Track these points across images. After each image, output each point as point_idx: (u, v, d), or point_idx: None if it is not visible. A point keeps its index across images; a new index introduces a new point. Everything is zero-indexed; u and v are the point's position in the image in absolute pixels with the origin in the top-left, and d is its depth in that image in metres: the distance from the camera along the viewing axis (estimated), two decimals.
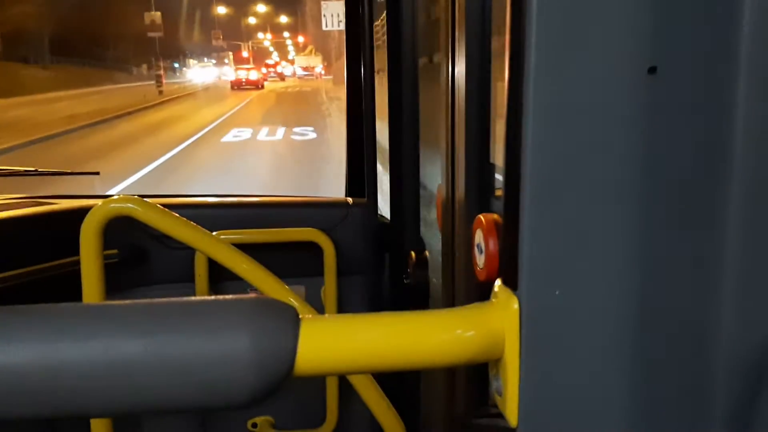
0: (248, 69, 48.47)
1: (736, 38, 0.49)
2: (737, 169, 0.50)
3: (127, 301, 0.53)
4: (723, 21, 0.49)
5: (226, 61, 75.56)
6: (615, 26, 0.52)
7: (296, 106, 26.90)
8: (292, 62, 73.91)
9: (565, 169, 0.53)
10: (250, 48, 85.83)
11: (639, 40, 0.52)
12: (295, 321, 0.53)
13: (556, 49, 0.52)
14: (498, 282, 0.59)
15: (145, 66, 59.54)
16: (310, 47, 66.02)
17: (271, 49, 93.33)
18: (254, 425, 2.03)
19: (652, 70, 0.53)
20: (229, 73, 67.36)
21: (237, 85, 44.44)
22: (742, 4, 0.48)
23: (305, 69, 66.24)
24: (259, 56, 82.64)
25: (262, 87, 44.92)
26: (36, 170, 2.33)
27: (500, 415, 0.60)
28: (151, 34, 36.43)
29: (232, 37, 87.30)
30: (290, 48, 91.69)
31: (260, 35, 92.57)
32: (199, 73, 64.40)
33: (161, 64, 32.67)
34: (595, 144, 0.53)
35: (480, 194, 1.34)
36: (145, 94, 30.55)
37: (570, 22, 0.51)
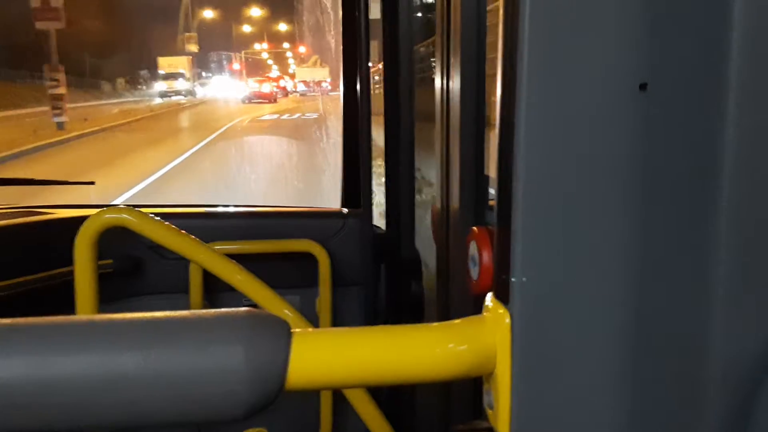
0: (261, 82, 44.37)
1: (726, 55, 0.49)
2: (727, 183, 0.51)
3: (121, 315, 0.53)
4: (712, 38, 0.50)
5: (182, 71, 49.71)
6: (606, 44, 0.53)
7: (290, 164, 14.51)
8: (292, 76, 64.16)
9: (557, 183, 0.54)
10: (242, 59, 73.23)
11: (630, 58, 0.53)
12: (287, 335, 0.54)
13: (547, 66, 0.52)
14: (490, 296, 0.59)
15: (122, 80, 48.54)
16: (314, 57, 57.88)
17: (270, 61, 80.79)
18: None
19: (643, 86, 0.53)
20: (197, 89, 53.11)
21: (249, 99, 40.82)
22: (731, 21, 0.49)
23: (308, 84, 56.33)
24: (255, 69, 70.73)
25: (275, 101, 41.33)
26: (32, 179, 2.33)
27: (493, 429, 0.60)
28: (41, 25, 19.05)
29: (221, 47, 73.69)
30: (291, 61, 79.16)
31: (257, 46, 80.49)
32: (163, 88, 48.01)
33: (59, 76, 18.40)
34: (587, 158, 0.54)
35: (475, 206, 1.34)
36: (37, 129, 19.02)
37: (562, 39, 0.52)
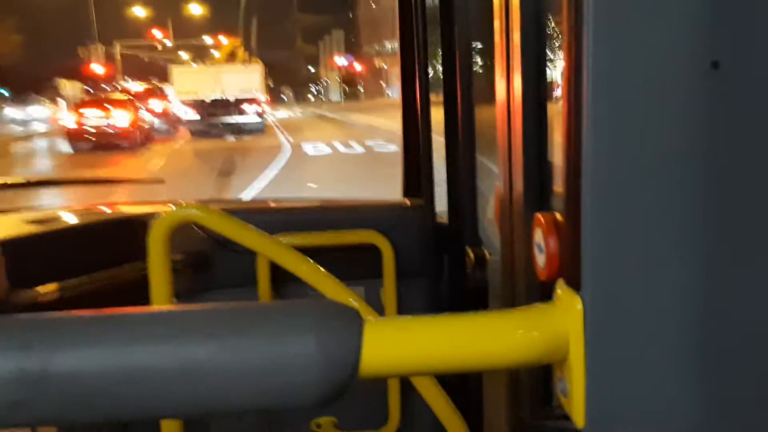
0: (103, 105, 20.84)
1: None
2: None
3: (197, 306, 0.55)
4: None
5: None
6: (675, 21, 0.51)
7: None
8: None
9: (625, 166, 0.53)
10: (118, 55, 40.22)
11: (700, 35, 0.51)
12: (358, 324, 0.54)
13: (614, 45, 0.51)
14: (560, 282, 0.59)
15: None
16: (232, 44, 31.00)
17: (186, 60, 44.40)
18: (318, 425, 2.06)
19: (715, 65, 0.52)
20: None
21: (76, 138, 19.80)
22: None
23: (211, 108, 24.90)
24: (150, 74, 37.66)
25: (138, 142, 20.55)
26: (106, 179, 2.38)
27: (566, 417, 0.59)
28: None
29: (81, 40, 40.59)
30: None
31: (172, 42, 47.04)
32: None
33: None
34: (656, 140, 0.53)
35: (539, 192, 1.34)
36: None
37: (629, 16, 0.51)
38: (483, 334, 0.56)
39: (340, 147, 18.78)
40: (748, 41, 0.51)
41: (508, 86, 1.34)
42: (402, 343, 0.55)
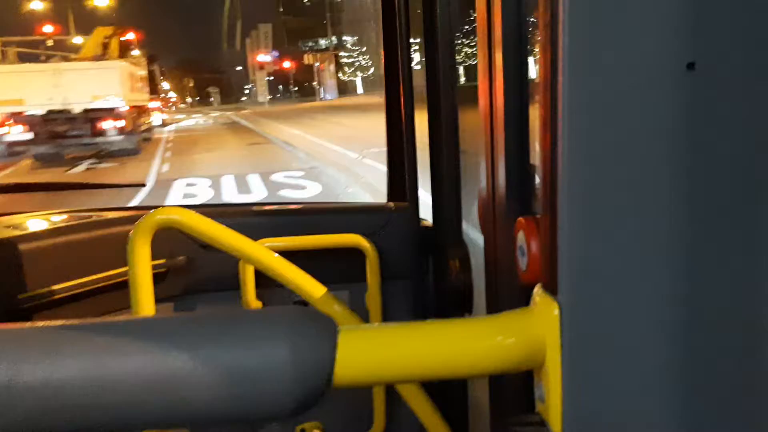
0: None
1: None
2: None
3: (169, 315, 0.57)
4: (762, 14, 0.48)
5: None
6: (651, 22, 0.51)
7: None
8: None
9: (602, 169, 0.52)
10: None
11: (676, 36, 0.51)
12: (333, 332, 0.54)
13: (589, 46, 0.51)
14: (538, 287, 0.59)
15: None
16: (102, 33, 23.00)
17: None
18: (303, 431, 2.05)
19: (691, 66, 0.51)
20: None
21: None
22: None
23: (48, 124, 17.12)
24: None
25: None
26: (87, 183, 2.30)
27: (544, 423, 0.59)
28: None
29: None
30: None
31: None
32: None
33: None
34: (632, 143, 0.52)
35: (521, 195, 1.34)
36: None
37: (604, 17, 0.50)
38: (459, 341, 0.56)
39: (230, 186, 12.61)
40: (724, 42, 0.51)
41: (490, 88, 1.34)
42: (377, 351, 0.55)
